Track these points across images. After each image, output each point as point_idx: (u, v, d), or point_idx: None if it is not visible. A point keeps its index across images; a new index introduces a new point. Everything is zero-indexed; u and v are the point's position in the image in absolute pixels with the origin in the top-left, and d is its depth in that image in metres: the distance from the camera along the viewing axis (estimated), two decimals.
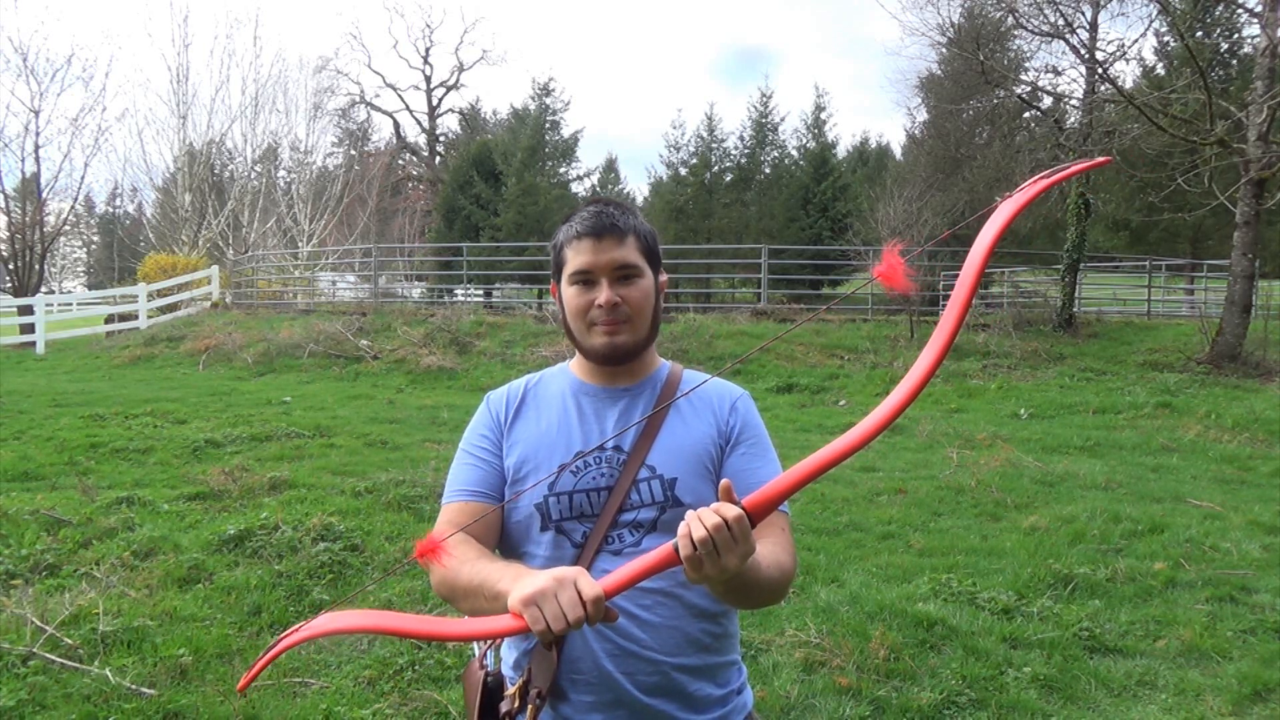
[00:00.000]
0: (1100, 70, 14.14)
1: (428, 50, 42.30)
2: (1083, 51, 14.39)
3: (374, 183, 30.88)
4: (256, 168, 28.65)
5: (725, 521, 1.11)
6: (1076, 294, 15.67)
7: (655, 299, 1.50)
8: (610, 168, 32.43)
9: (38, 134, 25.40)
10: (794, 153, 28.19)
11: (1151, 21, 16.16)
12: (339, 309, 17.74)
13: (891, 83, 54.11)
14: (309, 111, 30.18)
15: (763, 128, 27.84)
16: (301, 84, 47.76)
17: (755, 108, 28.09)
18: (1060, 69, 16.17)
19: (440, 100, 42.49)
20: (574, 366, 1.57)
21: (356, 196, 29.44)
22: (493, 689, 1.45)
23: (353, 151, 38.72)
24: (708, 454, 1.46)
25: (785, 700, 3.26)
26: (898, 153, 31.97)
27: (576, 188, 29.61)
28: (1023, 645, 3.78)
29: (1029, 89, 16.52)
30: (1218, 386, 11.24)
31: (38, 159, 25.73)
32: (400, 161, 42.49)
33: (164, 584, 4.21)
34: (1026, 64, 18.26)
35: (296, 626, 1.21)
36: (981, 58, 14.93)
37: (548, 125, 28.07)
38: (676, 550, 1.13)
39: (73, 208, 30.69)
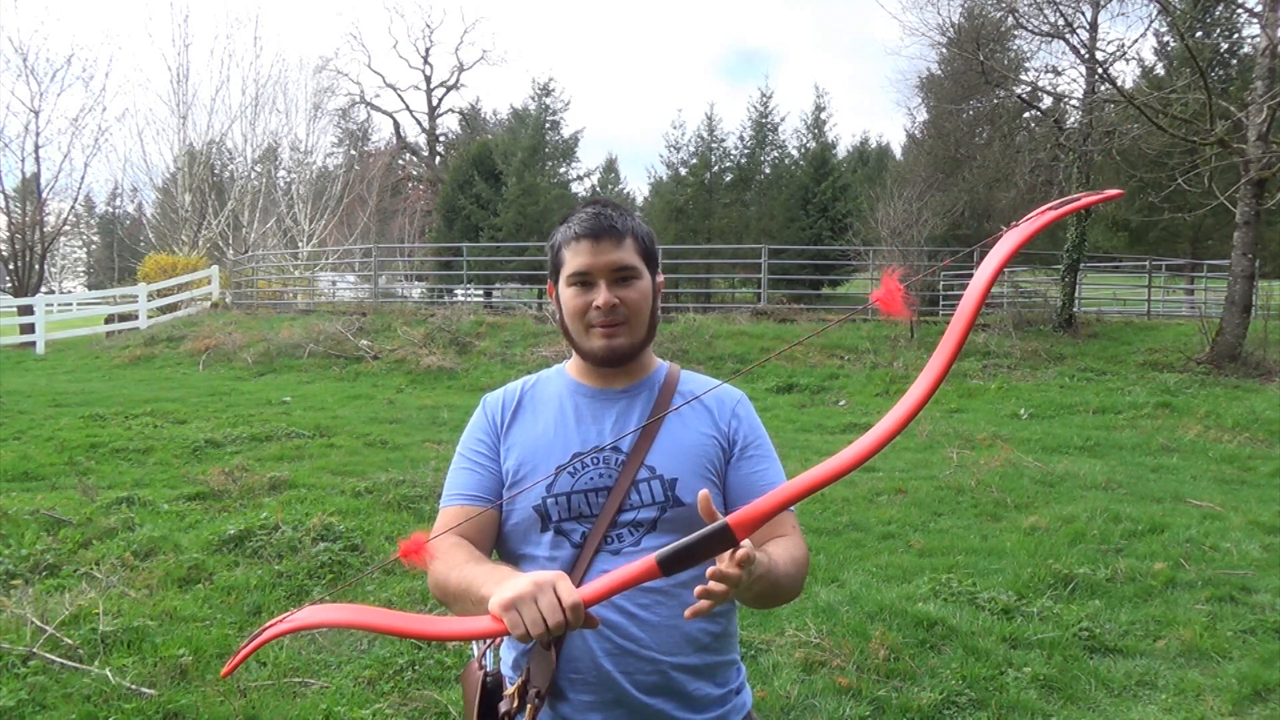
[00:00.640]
0: (1100, 70, 14.13)
1: (428, 50, 42.37)
2: (1083, 51, 14.39)
3: (374, 183, 30.88)
4: (256, 168, 28.66)
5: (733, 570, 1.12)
6: (1076, 294, 15.67)
7: (653, 300, 1.50)
8: (610, 168, 32.45)
9: (38, 134, 25.41)
10: (794, 153, 28.23)
11: (1151, 21, 16.18)
12: (339, 309, 17.74)
13: (891, 83, 54.16)
14: (309, 111, 30.20)
15: (763, 128, 27.86)
16: (301, 84, 47.91)
17: (755, 108, 28.15)
18: (1060, 69, 16.17)
19: (440, 100, 42.54)
20: (571, 368, 1.57)
21: (356, 196, 29.44)
22: (491, 689, 1.45)
23: (353, 151, 38.72)
24: (708, 455, 1.46)
25: (785, 700, 3.26)
26: (898, 153, 32.00)
27: (576, 188, 29.64)
28: (1023, 645, 3.78)
29: (1029, 89, 16.52)
30: (1218, 386, 11.24)
31: (38, 159, 25.74)
32: (400, 161, 42.50)
33: (164, 584, 4.21)
34: (1026, 64, 18.28)
35: (282, 616, 1.22)
36: (981, 58, 14.93)
37: (548, 125, 28.09)
38: (657, 563, 1.12)
39: (73, 208, 30.70)
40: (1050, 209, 1.15)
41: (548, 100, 28.08)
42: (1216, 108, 12.59)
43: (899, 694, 3.33)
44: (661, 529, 1.41)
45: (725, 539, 1.11)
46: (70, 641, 3.52)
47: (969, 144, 20.92)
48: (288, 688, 3.32)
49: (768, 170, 28.06)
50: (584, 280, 1.45)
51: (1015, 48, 18.32)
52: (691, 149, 27.52)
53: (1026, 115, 18.14)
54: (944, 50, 18.42)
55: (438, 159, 42.50)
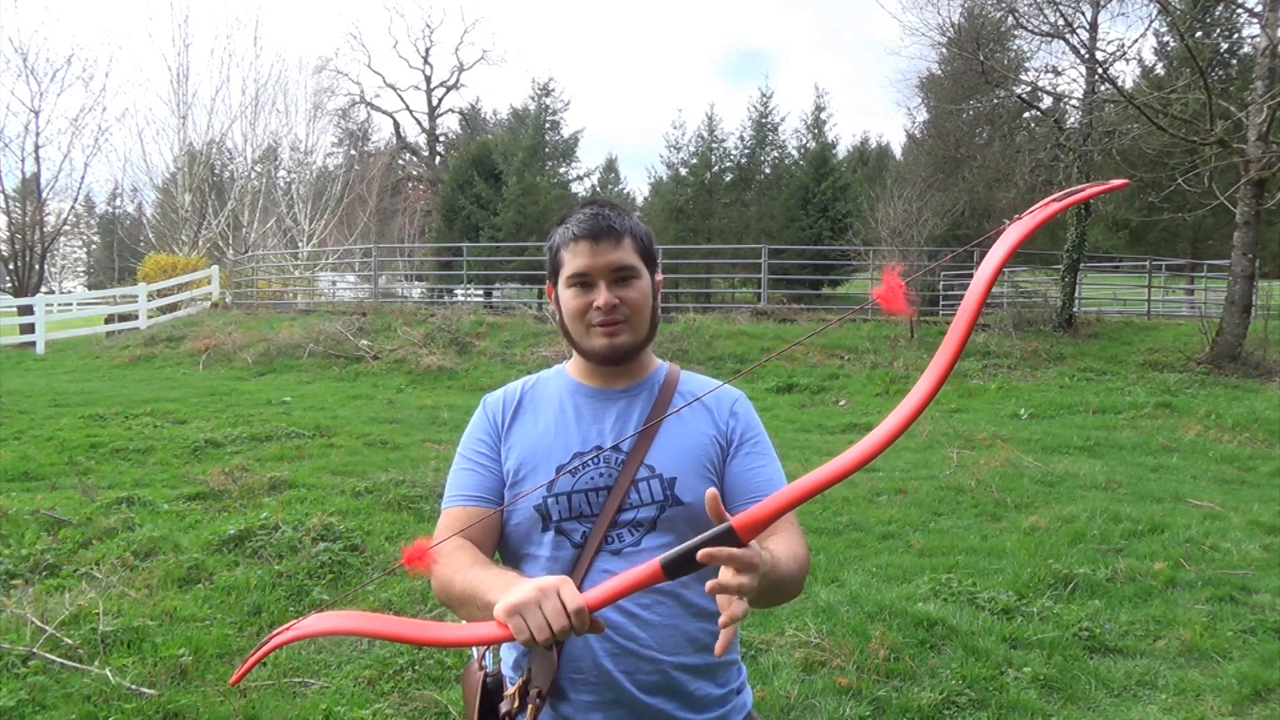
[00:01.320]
0: (1100, 70, 14.13)
1: (428, 50, 42.36)
2: (1083, 51, 14.39)
3: (374, 183, 30.87)
4: (256, 168, 28.66)
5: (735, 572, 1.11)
6: (1076, 294, 15.67)
7: (653, 299, 1.50)
8: (610, 168, 32.47)
9: (38, 134, 25.41)
10: (794, 153, 28.24)
11: (1151, 21, 16.19)
12: (339, 309, 17.74)
13: (891, 83, 54.15)
14: (309, 111, 30.22)
15: (763, 128, 27.87)
16: (301, 84, 47.94)
17: (755, 108, 28.16)
18: (1060, 69, 16.16)
19: (440, 100, 42.53)
20: (571, 368, 1.57)
21: (356, 196, 29.43)
22: (492, 689, 1.45)
23: (353, 151, 38.72)
24: (707, 454, 1.46)
25: (785, 700, 3.26)
26: (898, 153, 32.02)
27: (576, 188, 29.66)
28: (1023, 645, 3.78)
29: (1029, 89, 16.51)
30: (1218, 386, 11.24)
31: (38, 159, 25.74)
32: (400, 161, 42.49)
33: (164, 584, 4.21)
34: (1026, 64, 18.26)
35: (287, 625, 1.21)
36: (981, 58, 14.93)
37: (548, 125, 28.10)
38: (661, 566, 1.12)
39: (73, 208, 30.69)
40: (1054, 200, 1.13)
41: (548, 100, 28.10)
42: (1216, 108, 12.59)
43: (899, 694, 3.33)
44: (661, 528, 1.41)
45: (729, 542, 1.11)
46: (70, 641, 3.52)
47: (969, 144, 20.91)
48: (288, 688, 3.32)
49: (768, 170, 28.07)
50: (584, 281, 1.45)
51: (1015, 48, 18.32)
52: (691, 149, 27.54)
53: (1026, 115, 18.13)
54: (944, 50, 18.41)
55: (438, 159, 42.50)
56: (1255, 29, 14.68)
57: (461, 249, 21.97)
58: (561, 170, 28.95)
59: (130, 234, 41.61)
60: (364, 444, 7.74)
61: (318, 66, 36.62)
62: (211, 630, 3.73)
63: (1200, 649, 3.75)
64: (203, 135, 27.25)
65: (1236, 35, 21.71)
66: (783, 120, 29.01)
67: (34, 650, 3.40)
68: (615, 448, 1.45)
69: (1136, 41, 22.76)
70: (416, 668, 3.47)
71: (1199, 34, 18.36)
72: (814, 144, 27.42)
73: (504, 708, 1.38)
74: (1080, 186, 1.15)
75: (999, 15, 15.93)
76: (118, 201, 51.23)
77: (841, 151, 30.43)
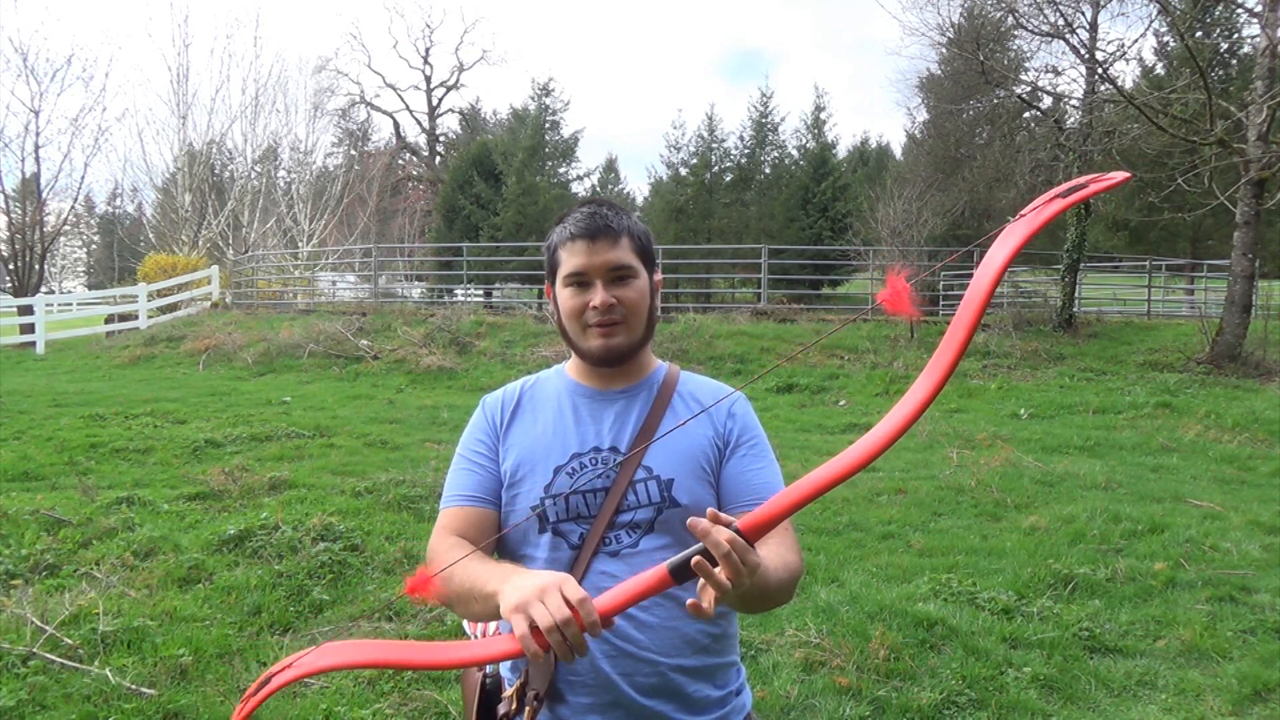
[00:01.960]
0: (1100, 70, 14.13)
1: (428, 50, 42.36)
2: (1083, 51, 14.39)
3: (374, 183, 30.88)
4: (256, 168, 28.66)
5: (729, 547, 1.08)
6: (1076, 294, 15.67)
7: (651, 299, 1.50)
8: (610, 168, 32.45)
9: (38, 134, 25.42)
10: (794, 153, 28.21)
11: (1151, 21, 16.19)
12: (339, 309, 17.74)
13: (891, 83, 54.14)
14: (309, 111, 30.25)
15: (763, 128, 27.86)
16: (301, 84, 47.96)
17: (755, 108, 28.14)
18: (1060, 69, 16.17)
19: (440, 100, 42.53)
20: (570, 368, 1.56)
21: (356, 196, 29.44)
22: (490, 691, 1.45)
23: (353, 151, 38.73)
24: (704, 456, 1.46)
25: (785, 700, 3.26)
26: (898, 153, 32.02)
27: (576, 188, 29.63)
28: (1023, 645, 3.78)
29: (1029, 89, 16.52)
30: (1218, 386, 11.24)
31: (38, 159, 25.75)
32: (400, 161, 42.49)
33: (164, 584, 4.21)
34: (1026, 64, 18.27)
35: (290, 660, 1.16)
36: (981, 58, 14.93)
37: (548, 125, 28.09)
38: (669, 571, 1.11)
39: (73, 208, 30.67)
40: (1057, 196, 1.08)
41: (547, 100, 28.08)
42: (1216, 108, 12.59)
43: (899, 694, 3.33)
44: (659, 530, 1.40)
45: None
46: (70, 641, 3.52)
47: (969, 144, 20.91)
48: (288, 687, 3.32)
49: (768, 170, 28.06)
50: (580, 280, 1.44)
51: (1015, 48, 18.32)
52: (691, 149, 27.53)
53: (1026, 115, 18.13)
54: (944, 50, 18.41)
55: (438, 159, 42.49)
56: (1255, 29, 14.69)
57: (461, 249, 21.97)
58: (561, 170, 28.94)
59: (130, 234, 41.58)
60: (364, 444, 7.74)
61: (318, 66, 36.67)
62: (211, 630, 3.73)
63: (1200, 649, 3.75)
64: (203, 135, 27.30)
65: (1236, 35, 21.71)
66: (783, 120, 29.04)
67: (34, 650, 3.40)
68: (613, 448, 1.45)
69: (1136, 41, 22.78)
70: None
71: (1199, 34, 18.36)
72: (814, 144, 27.41)
73: (502, 709, 1.38)
74: (1082, 180, 1.10)
75: (999, 15, 15.93)
76: (118, 201, 51.23)
77: (841, 151, 30.44)
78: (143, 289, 19.51)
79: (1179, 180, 13.19)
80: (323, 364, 13.42)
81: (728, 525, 1.10)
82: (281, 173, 30.14)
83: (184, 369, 13.84)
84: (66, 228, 36.20)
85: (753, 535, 1.10)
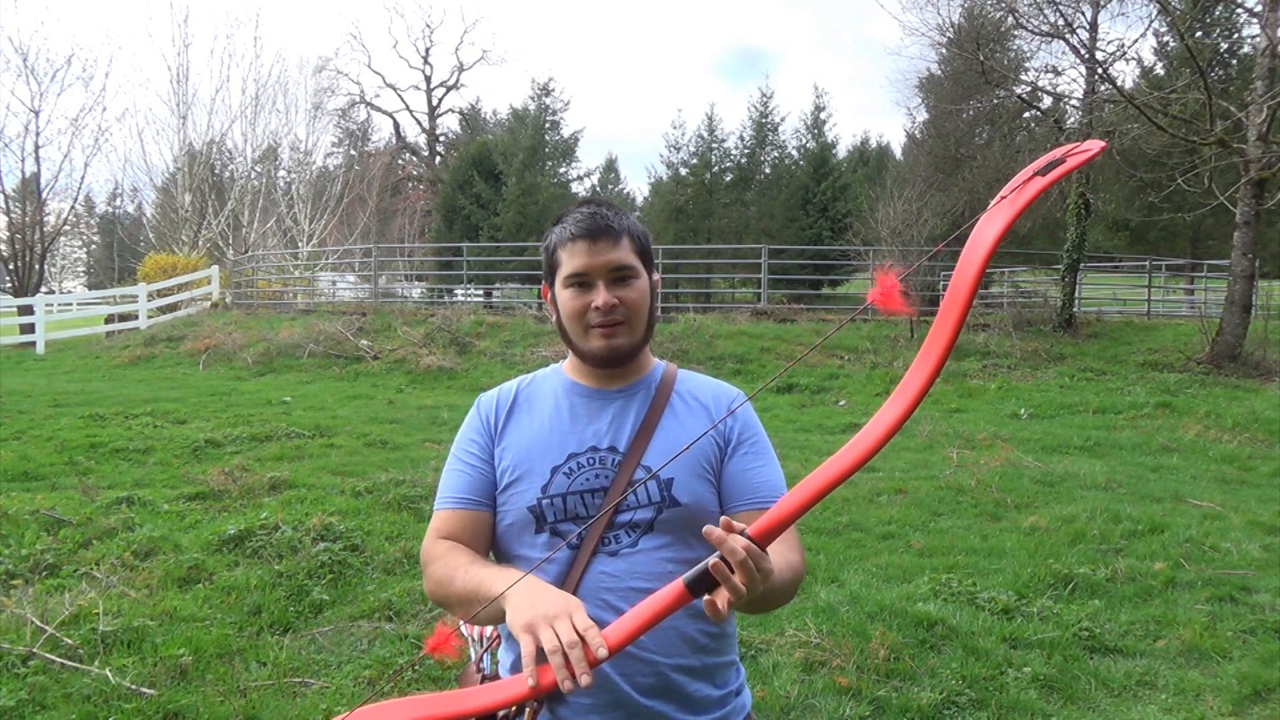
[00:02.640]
0: (1100, 70, 14.13)
1: (428, 50, 42.34)
2: (1083, 51, 14.39)
3: (374, 183, 30.88)
4: (256, 168, 28.67)
5: (745, 554, 1.10)
6: (1076, 294, 15.67)
7: (651, 299, 1.49)
8: (610, 168, 32.51)
9: (38, 134, 25.43)
10: (794, 153, 28.22)
11: (1151, 21, 16.17)
12: (339, 309, 17.73)
13: (891, 83, 54.10)
14: (309, 111, 30.22)
15: (763, 128, 27.88)
16: (301, 84, 47.85)
17: (755, 108, 28.16)
18: (1060, 69, 16.17)
19: (440, 100, 42.52)
20: (567, 367, 1.56)
21: (356, 196, 29.43)
22: None
23: (353, 151, 38.73)
24: (704, 455, 1.45)
25: (785, 700, 3.26)
26: (898, 153, 32.01)
27: (576, 188, 29.66)
28: (1023, 645, 3.78)
29: (1029, 89, 16.52)
30: (1218, 386, 11.24)
31: (38, 159, 25.76)
32: (400, 161, 42.49)
33: (164, 584, 4.21)
34: (1026, 64, 18.26)
35: None
36: (981, 58, 14.92)
37: (548, 125, 28.10)
38: (687, 587, 1.12)
39: (73, 208, 30.68)
40: (1036, 174, 1.08)
41: (547, 100, 28.10)
42: (1216, 108, 12.59)
43: (899, 694, 3.33)
44: (659, 529, 1.40)
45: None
46: (70, 641, 3.52)
47: (969, 144, 20.91)
48: (288, 688, 3.32)
49: (768, 170, 28.08)
50: (582, 281, 1.44)
51: (1015, 48, 18.31)
52: (691, 149, 27.54)
53: (1026, 115, 18.13)
54: (944, 50, 18.40)
55: (438, 159, 42.49)
56: (1255, 29, 14.69)
57: (461, 249, 21.97)
58: (561, 170, 28.96)
59: (130, 234, 41.56)
60: (364, 444, 7.73)
61: (318, 66, 36.62)
62: (211, 630, 3.73)
63: (1200, 649, 3.75)
64: (203, 135, 27.30)
65: (1236, 35, 21.70)
66: (783, 120, 29.01)
67: (34, 650, 3.40)
68: (611, 448, 1.45)
69: (1136, 41, 22.79)
70: (417, 668, 3.47)
71: (1199, 34, 18.36)
72: (814, 144, 27.41)
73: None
74: (1058, 154, 1.09)
75: (999, 15, 15.93)
76: (118, 201, 51.24)
77: (841, 151, 30.44)
78: (143, 289, 19.51)
79: (1179, 180, 13.19)
80: (323, 364, 13.42)
81: (740, 533, 1.11)
82: (281, 173, 30.17)
83: (184, 369, 13.84)
84: (66, 228, 36.18)
85: (764, 541, 1.12)
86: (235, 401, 10.18)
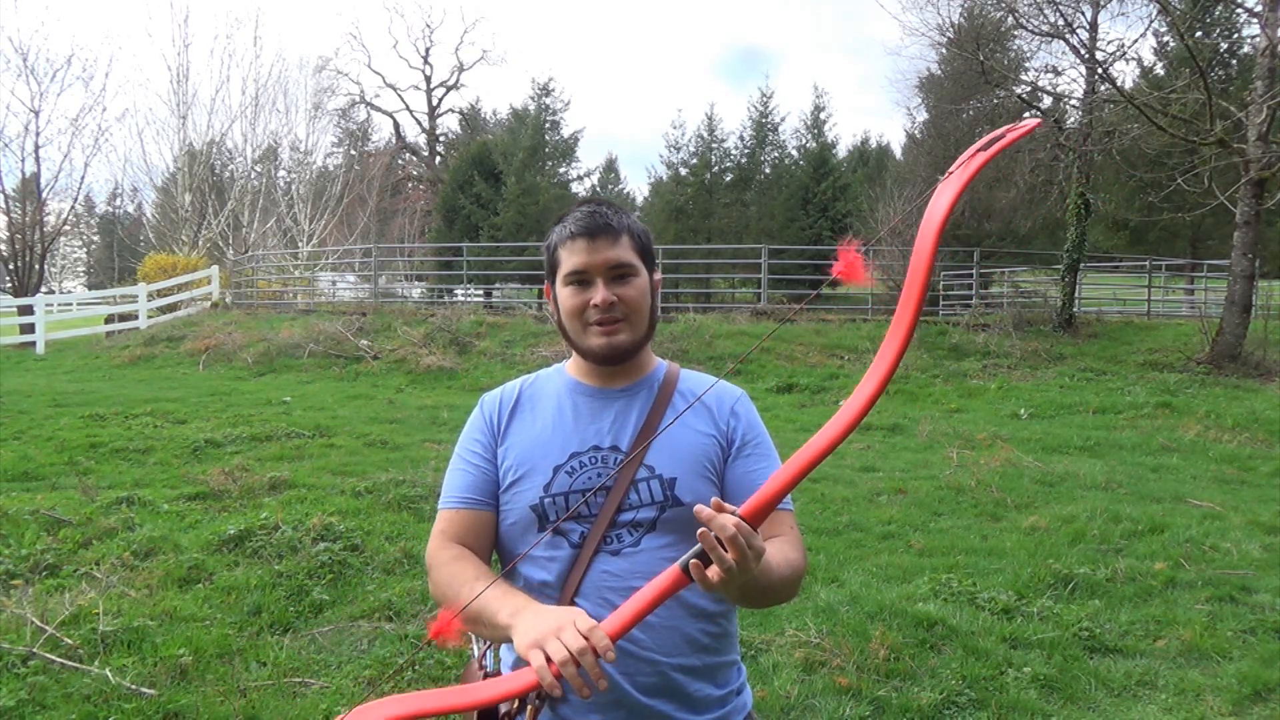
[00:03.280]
0: (1100, 70, 14.13)
1: (428, 50, 42.34)
2: (1083, 51, 14.38)
3: (374, 183, 30.88)
4: (256, 168, 28.66)
5: (735, 531, 1.11)
6: (1076, 294, 15.67)
7: (651, 298, 1.50)
8: (610, 168, 32.49)
9: (38, 134, 25.41)
10: (794, 153, 28.21)
11: (1151, 21, 16.15)
12: (339, 309, 17.73)
13: (891, 83, 54.11)
14: (309, 111, 30.18)
15: (763, 128, 27.87)
16: (301, 84, 47.72)
17: (755, 108, 28.16)
18: (1060, 69, 16.16)
19: (440, 100, 42.51)
20: (570, 367, 1.56)
21: (356, 196, 29.43)
22: None
23: (353, 151, 38.71)
24: (707, 454, 1.46)
25: (785, 700, 3.26)
26: (898, 153, 31.99)
27: (576, 188, 29.65)
28: (1023, 645, 3.78)
29: (1029, 89, 16.52)
30: (1218, 386, 11.24)
31: (38, 159, 25.74)
32: (400, 161, 42.49)
33: (164, 584, 4.21)
34: (1026, 64, 18.28)
35: None
36: (981, 58, 14.92)
37: (548, 125, 28.09)
38: (685, 570, 1.13)
39: (73, 208, 30.67)
40: (979, 150, 1.16)
41: (547, 100, 28.09)
42: (1216, 108, 12.59)
43: (899, 694, 3.33)
44: (661, 529, 1.40)
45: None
46: (70, 641, 3.52)
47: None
48: (288, 688, 3.32)
49: (768, 170, 28.07)
50: (581, 279, 1.44)
51: (1015, 48, 18.33)
52: (691, 149, 27.53)
53: (1026, 115, 18.12)
54: (944, 50, 18.41)
55: (438, 159, 42.49)
56: (1255, 29, 14.69)
57: (461, 249, 21.97)
58: (561, 170, 28.95)
59: (130, 234, 41.59)
60: (364, 444, 7.73)
61: (318, 66, 36.52)
62: (211, 630, 3.73)
63: (1200, 649, 3.75)
64: (203, 135, 27.29)
65: (1236, 35, 21.71)
66: (783, 120, 28.99)
67: (34, 650, 3.40)
68: (614, 447, 1.45)
69: (1136, 41, 22.75)
70: (416, 668, 3.48)
71: (1199, 34, 18.35)
72: (814, 144, 27.40)
73: (503, 708, 1.38)
74: (999, 132, 1.18)
75: (999, 15, 15.93)
76: (118, 201, 51.26)
77: (841, 151, 30.44)
78: (143, 289, 19.51)
79: (1179, 180, 13.20)
80: (323, 364, 13.42)
81: (731, 513, 1.13)
82: (281, 173, 30.15)
83: (184, 369, 13.84)
84: (66, 228, 36.20)
85: (755, 520, 1.13)
86: (235, 401, 10.17)
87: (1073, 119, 15.65)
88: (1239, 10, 17.57)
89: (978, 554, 4.98)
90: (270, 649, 3.63)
